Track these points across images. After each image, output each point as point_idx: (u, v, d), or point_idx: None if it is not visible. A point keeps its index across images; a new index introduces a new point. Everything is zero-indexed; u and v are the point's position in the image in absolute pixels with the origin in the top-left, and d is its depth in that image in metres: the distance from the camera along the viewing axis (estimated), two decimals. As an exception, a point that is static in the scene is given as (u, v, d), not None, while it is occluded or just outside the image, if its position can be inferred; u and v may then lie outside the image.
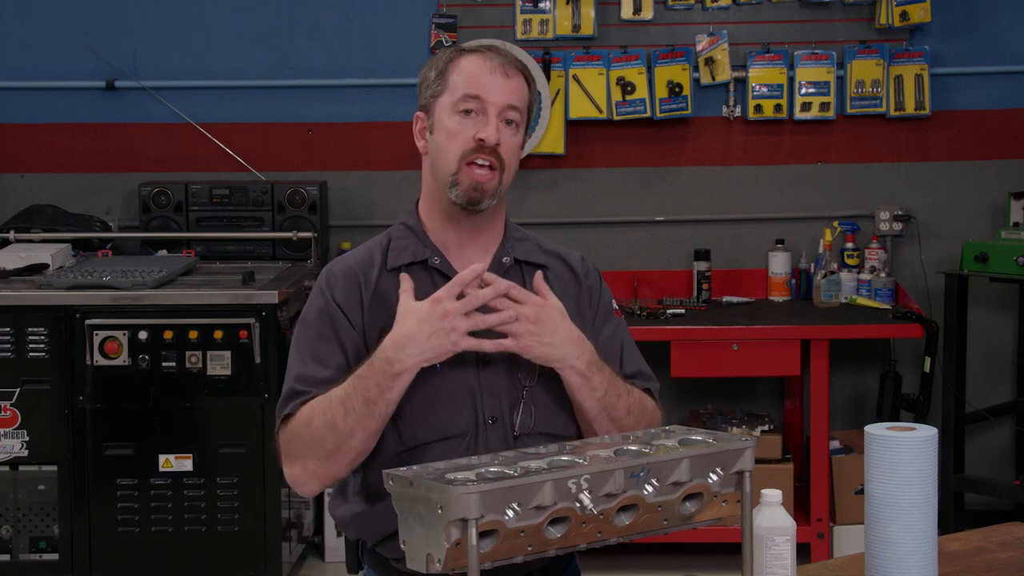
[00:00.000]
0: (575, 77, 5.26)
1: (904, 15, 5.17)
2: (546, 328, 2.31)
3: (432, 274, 2.45)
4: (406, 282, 2.32)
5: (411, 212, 2.52)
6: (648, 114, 5.25)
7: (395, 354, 2.27)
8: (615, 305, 2.59)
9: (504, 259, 2.49)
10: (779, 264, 5.25)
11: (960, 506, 5.01)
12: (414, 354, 2.26)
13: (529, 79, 2.46)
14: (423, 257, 2.46)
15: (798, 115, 5.26)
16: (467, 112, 2.39)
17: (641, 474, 2.00)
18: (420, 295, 2.41)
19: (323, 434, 2.31)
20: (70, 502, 4.53)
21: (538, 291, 2.34)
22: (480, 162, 2.38)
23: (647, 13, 5.24)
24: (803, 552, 4.43)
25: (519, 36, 5.25)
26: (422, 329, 2.26)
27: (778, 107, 5.26)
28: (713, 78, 5.25)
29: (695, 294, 5.23)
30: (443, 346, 2.27)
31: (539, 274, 2.38)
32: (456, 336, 2.27)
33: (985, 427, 5.33)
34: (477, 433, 2.36)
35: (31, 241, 4.99)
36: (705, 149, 5.37)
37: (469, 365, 2.38)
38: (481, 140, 2.37)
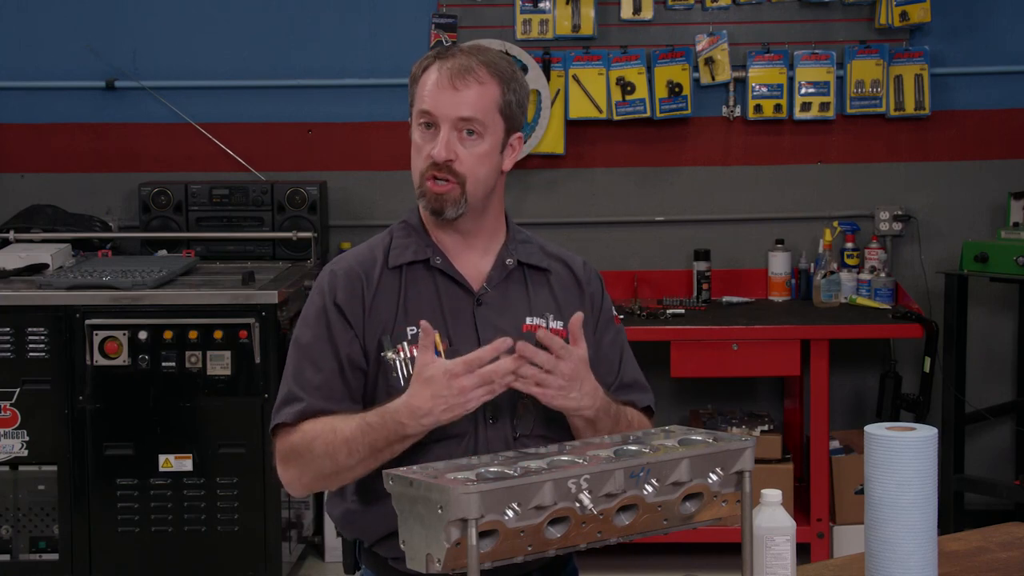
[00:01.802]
0: (575, 77, 5.25)
1: (904, 15, 5.17)
2: (574, 383, 2.31)
3: (434, 274, 2.45)
4: (426, 336, 2.27)
5: (413, 211, 2.53)
6: (648, 114, 5.25)
7: (409, 421, 2.26)
8: (615, 312, 2.60)
9: (507, 261, 2.49)
10: (779, 264, 5.25)
11: (960, 506, 5.01)
12: (428, 424, 2.27)
13: (501, 78, 2.42)
14: (425, 256, 2.46)
15: (798, 115, 5.26)
16: (427, 126, 2.40)
17: (641, 474, 2.00)
18: (423, 294, 2.43)
19: (323, 462, 2.34)
20: (70, 502, 4.53)
21: (572, 335, 2.32)
22: (436, 176, 2.39)
23: (647, 13, 5.24)
24: (803, 552, 4.43)
25: (519, 36, 5.25)
26: (437, 404, 2.24)
27: (778, 107, 5.26)
28: (713, 78, 5.25)
29: (695, 294, 5.23)
30: (458, 414, 2.27)
31: (578, 316, 2.33)
32: (472, 404, 2.26)
33: (985, 427, 5.33)
34: (476, 434, 2.37)
35: (31, 241, 4.99)
36: (705, 149, 5.37)
37: None
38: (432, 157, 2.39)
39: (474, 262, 2.48)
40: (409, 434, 2.27)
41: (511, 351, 2.26)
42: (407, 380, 2.34)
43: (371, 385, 2.41)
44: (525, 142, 5.11)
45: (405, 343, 2.39)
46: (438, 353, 2.33)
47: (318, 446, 2.34)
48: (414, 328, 2.39)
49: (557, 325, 2.46)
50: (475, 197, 2.42)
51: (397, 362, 2.38)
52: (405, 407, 2.26)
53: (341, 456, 2.32)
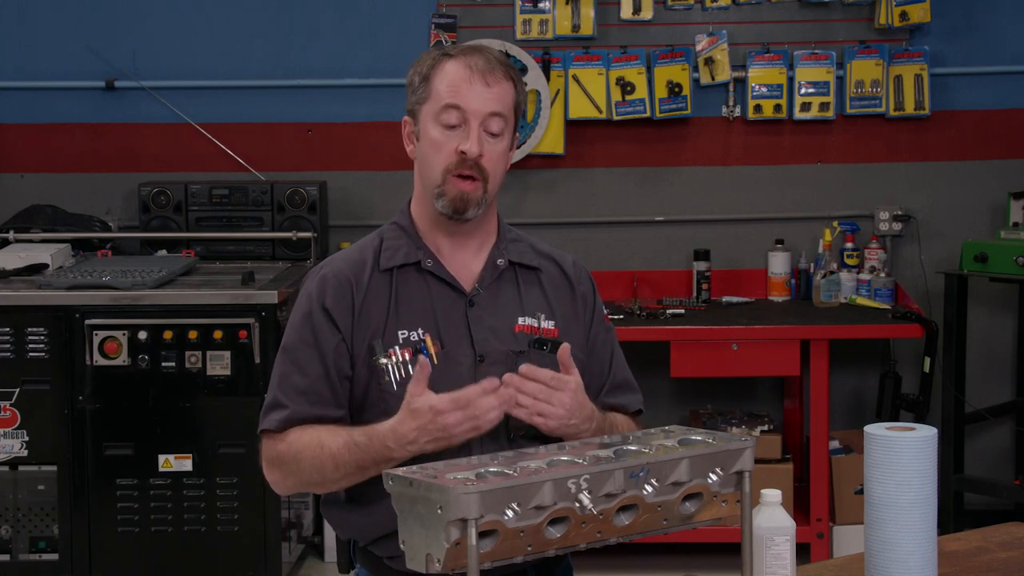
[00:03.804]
0: (575, 77, 5.25)
1: (904, 15, 5.17)
2: (573, 412, 2.31)
3: (425, 276, 2.45)
4: (422, 370, 2.25)
5: (403, 211, 2.52)
6: (648, 114, 5.25)
7: (395, 446, 2.26)
8: (605, 311, 2.60)
9: (499, 261, 2.49)
10: (779, 264, 5.25)
11: (960, 506, 5.01)
12: (414, 451, 2.27)
13: (515, 80, 2.44)
14: (416, 259, 2.45)
15: (798, 115, 5.26)
16: (450, 124, 2.38)
17: (641, 474, 2.00)
18: (414, 297, 2.43)
19: (309, 474, 2.36)
20: (70, 502, 4.53)
21: (563, 365, 2.32)
22: (464, 174, 2.38)
23: (647, 13, 5.24)
24: (803, 552, 4.43)
25: (519, 36, 5.25)
26: (421, 436, 2.24)
27: (778, 107, 5.26)
28: (713, 78, 5.25)
29: (695, 294, 5.23)
30: (443, 447, 2.26)
31: (565, 347, 2.33)
32: (457, 439, 2.26)
33: (985, 427, 5.33)
34: (470, 439, 2.36)
35: (31, 241, 4.99)
36: (705, 149, 5.37)
37: (464, 368, 2.38)
38: (463, 153, 2.37)
39: (466, 263, 2.47)
40: (395, 457, 2.27)
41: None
42: (400, 384, 2.35)
43: (362, 389, 2.40)
44: (525, 141, 5.20)
45: (397, 347, 2.39)
46: (427, 354, 2.33)
47: (305, 458, 2.35)
48: (405, 331, 2.39)
49: (548, 325, 2.46)
50: (492, 195, 2.43)
51: (389, 367, 2.38)
52: (392, 433, 2.26)
53: (328, 471, 2.33)
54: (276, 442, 2.40)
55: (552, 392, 2.28)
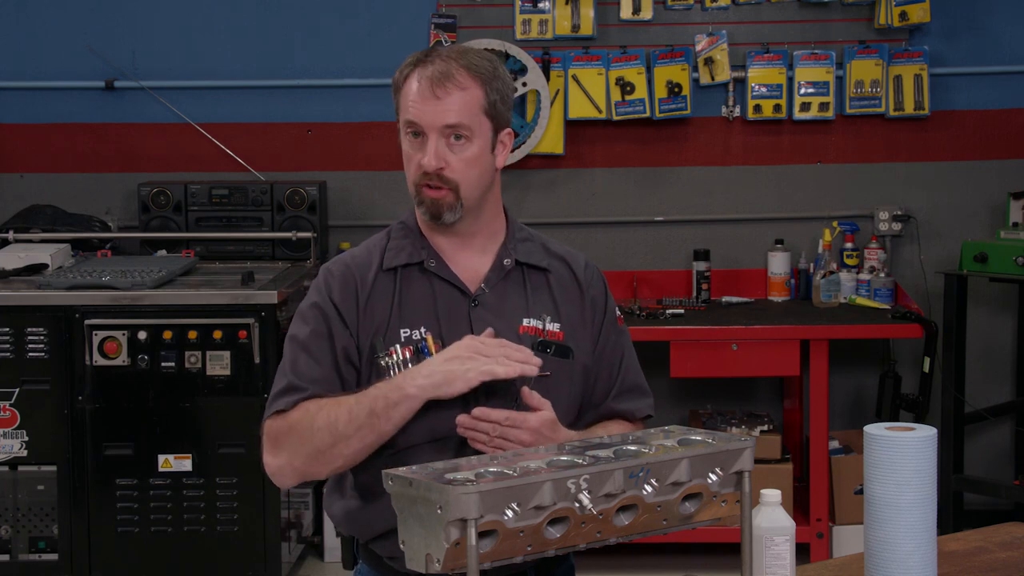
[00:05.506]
0: (574, 77, 5.25)
1: (903, 15, 5.17)
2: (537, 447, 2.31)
3: (429, 276, 2.45)
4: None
5: (411, 211, 2.52)
6: (647, 114, 5.25)
7: (409, 375, 2.30)
8: (619, 313, 2.59)
9: (505, 261, 2.49)
10: (778, 264, 5.25)
11: (960, 506, 5.01)
12: (424, 375, 2.29)
13: (483, 79, 2.40)
14: (419, 259, 2.46)
15: (797, 115, 5.26)
16: (415, 135, 2.40)
17: (640, 474, 2.00)
18: (417, 296, 2.44)
19: (321, 433, 2.33)
20: (69, 502, 4.53)
21: (528, 402, 2.33)
22: (430, 185, 2.40)
23: (646, 13, 5.24)
24: (802, 552, 4.43)
25: (518, 36, 5.25)
26: (442, 356, 2.30)
27: (777, 107, 5.26)
28: (712, 78, 5.25)
29: (694, 294, 5.23)
30: (454, 371, 2.28)
31: (525, 389, 2.34)
32: (472, 364, 2.27)
33: (984, 427, 5.33)
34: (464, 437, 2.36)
35: (30, 241, 4.99)
36: (704, 149, 5.37)
37: None
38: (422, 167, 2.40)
39: (472, 263, 2.48)
40: (407, 392, 2.28)
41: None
42: None
43: (364, 386, 2.40)
44: (525, 142, 5.20)
45: (398, 345, 2.40)
46: (430, 354, 2.34)
47: (321, 418, 2.33)
48: (407, 330, 2.40)
49: (553, 327, 2.46)
50: (470, 199, 2.42)
51: (390, 364, 2.39)
52: (412, 367, 2.32)
53: (341, 423, 2.31)
54: (286, 417, 2.38)
55: (507, 430, 2.29)
